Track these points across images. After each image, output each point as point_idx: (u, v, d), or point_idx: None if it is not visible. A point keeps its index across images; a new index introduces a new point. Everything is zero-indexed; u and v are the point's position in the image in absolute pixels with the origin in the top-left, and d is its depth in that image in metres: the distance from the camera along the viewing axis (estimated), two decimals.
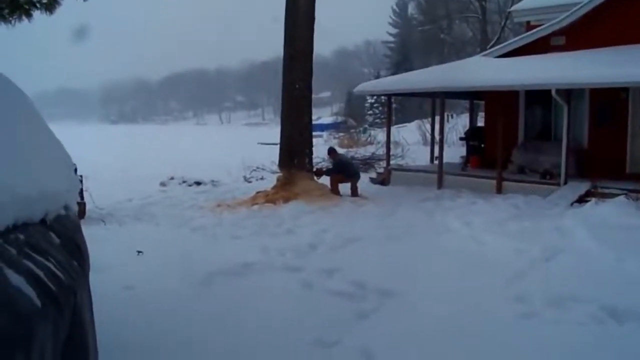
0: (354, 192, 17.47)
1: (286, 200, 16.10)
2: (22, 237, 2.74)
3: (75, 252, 3.45)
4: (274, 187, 17.33)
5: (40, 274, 2.64)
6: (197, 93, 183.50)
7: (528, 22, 22.04)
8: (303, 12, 17.40)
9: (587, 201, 14.66)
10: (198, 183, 21.75)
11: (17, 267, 2.51)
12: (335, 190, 17.28)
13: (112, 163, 28.68)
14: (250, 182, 22.84)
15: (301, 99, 17.60)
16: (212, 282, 8.46)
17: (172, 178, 22.53)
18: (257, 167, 25.24)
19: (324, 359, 6.08)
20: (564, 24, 18.28)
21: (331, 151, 19.12)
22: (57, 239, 3.17)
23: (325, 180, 17.83)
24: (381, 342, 6.36)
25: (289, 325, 6.80)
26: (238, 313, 7.27)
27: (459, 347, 6.26)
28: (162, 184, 21.71)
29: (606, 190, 15.21)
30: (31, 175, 3.13)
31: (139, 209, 16.09)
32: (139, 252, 10.14)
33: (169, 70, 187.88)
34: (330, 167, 18.50)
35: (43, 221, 3.15)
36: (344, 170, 17.90)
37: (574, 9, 18.08)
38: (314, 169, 18.31)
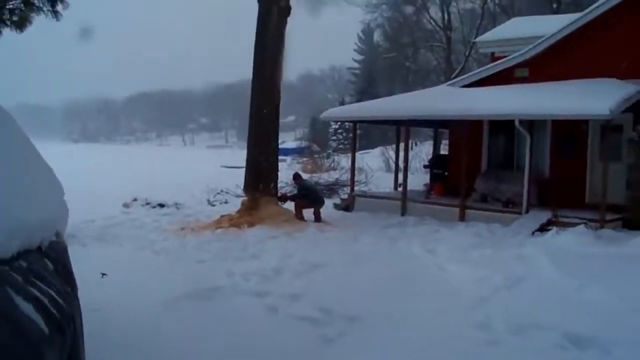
0: (317, 218, 17.51)
1: (251, 224, 16.09)
2: (24, 264, 2.76)
3: (68, 277, 3.47)
4: (239, 211, 17.31)
5: (45, 300, 2.66)
6: (160, 114, 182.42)
7: (492, 54, 22.44)
8: (273, 38, 17.55)
9: (548, 230, 14.88)
10: (162, 205, 21.58)
11: (24, 295, 2.53)
12: (299, 216, 17.32)
13: (73, 183, 28.32)
14: (214, 205, 22.75)
15: (269, 123, 17.69)
16: (178, 306, 8.42)
17: (135, 199, 22.33)
18: (221, 191, 25.15)
19: None
20: (528, 56, 18.66)
21: (296, 176, 19.18)
22: (51, 265, 3.18)
23: (290, 205, 17.87)
24: None
25: (255, 350, 6.80)
26: (204, 338, 7.25)
27: None
28: (125, 205, 21.49)
29: (566, 219, 15.45)
30: (31, 202, 3.14)
31: (101, 230, 15.89)
32: (102, 274, 10.06)
33: (133, 90, 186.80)
34: (295, 192, 18.56)
35: (39, 248, 3.16)
36: (308, 195, 17.97)
37: (537, 42, 18.47)
38: (279, 194, 18.34)
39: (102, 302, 8.23)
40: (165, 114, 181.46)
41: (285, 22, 17.86)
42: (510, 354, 6.83)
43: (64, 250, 3.88)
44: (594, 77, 16.93)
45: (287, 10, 17.87)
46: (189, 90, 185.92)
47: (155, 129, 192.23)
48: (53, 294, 2.84)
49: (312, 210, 17.65)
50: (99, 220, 17.29)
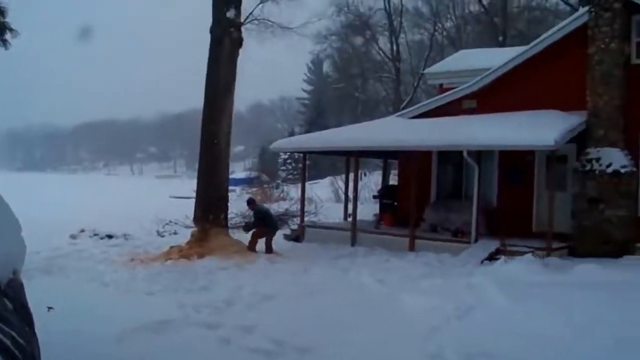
0: (269, 249, 17.42)
1: (201, 256, 15.99)
2: None
3: (26, 315, 3.41)
4: (188, 243, 17.20)
5: (7, 342, 2.62)
6: (108, 143, 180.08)
7: (441, 85, 22.81)
8: (225, 68, 17.62)
9: (496, 259, 15.10)
10: (110, 236, 21.31)
11: None
12: (252, 246, 17.22)
13: (17, 213, 27.84)
14: (163, 236, 22.54)
15: (219, 153, 17.69)
16: (129, 339, 8.30)
17: (82, 230, 22.02)
18: (170, 221, 24.93)
19: None
20: (475, 88, 19.02)
21: (250, 202, 19.17)
22: (10, 305, 3.13)
23: (241, 236, 17.81)
24: None
25: None
26: None
27: None
28: (73, 237, 21.17)
29: (514, 248, 15.71)
30: None
31: (48, 262, 15.54)
32: (49, 308, 9.85)
33: (80, 119, 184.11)
34: (253, 220, 18.47)
35: None
36: (265, 219, 17.91)
37: (484, 74, 18.85)
38: (244, 224, 18.40)
39: (49, 337, 8.08)
40: (113, 143, 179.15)
41: (237, 53, 17.97)
42: None
43: (21, 287, 3.83)
44: (539, 109, 17.33)
45: (239, 42, 18.00)
46: (137, 119, 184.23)
47: (103, 158, 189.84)
48: (14, 334, 2.80)
49: (263, 239, 17.56)
50: (44, 251, 16.94)
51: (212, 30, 17.91)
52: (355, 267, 14.72)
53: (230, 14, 17.72)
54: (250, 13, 19.16)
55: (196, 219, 17.79)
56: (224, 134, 17.82)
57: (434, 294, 11.22)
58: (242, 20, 18.33)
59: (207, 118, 17.87)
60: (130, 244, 19.97)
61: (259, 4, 19.76)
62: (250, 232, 17.87)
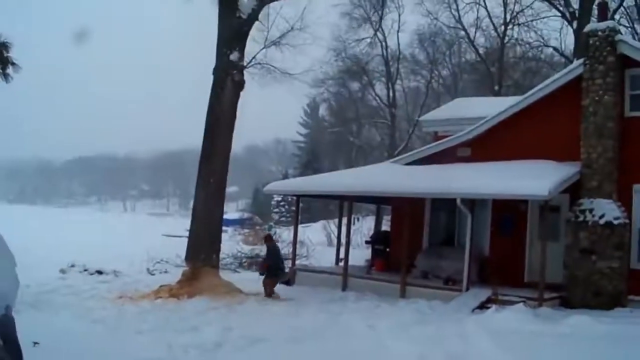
0: (272, 291, 17.42)
1: (191, 295, 15.92)
2: None
3: (16, 351, 3.39)
4: (179, 282, 17.13)
5: None
6: (101, 178, 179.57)
7: (436, 132, 22.93)
8: (226, 110, 17.78)
9: (488, 308, 15.03)
10: (100, 272, 21.21)
11: None
12: (270, 292, 17.29)
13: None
14: (153, 274, 22.45)
15: (215, 193, 17.71)
16: None
17: (72, 265, 21.93)
18: (161, 260, 24.85)
19: None
20: (470, 136, 19.12)
21: (268, 238, 19.11)
22: (1, 341, 3.10)
23: (228, 276, 17.71)
24: None
25: None
26: None
27: None
28: (62, 271, 21.07)
29: (506, 298, 15.65)
30: None
31: (36, 296, 15.42)
32: (35, 343, 9.75)
33: (74, 153, 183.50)
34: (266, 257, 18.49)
35: None
36: (275, 259, 17.93)
37: (479, 123, 18.96)
38: (261, 264, 18.56)
39: None
40: (106, 178, 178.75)
41: (239, 96, 18.16)
42: None
43: (13, 324, 3.80)
44: (533, 158, 17.40)
45: (240, 84, 18.21)
46: (131, 156, 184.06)
47: (95, 193, 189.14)
48: None
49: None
50: (33, 286, 16.79)
51: (214, 72, 18.09)
52: (346, 312, 14.66)
53: (234, 56, 17.97)
54: (254, 57, 19.42)
55: (188, 258, 17.74)
56: (221, 174, 17.90)
57: (425, 341, 11.14)
58: (244, 63, 18.53)
59: (205, 157, 17.94)
60: (120, 280, 19.89)
61: (262, 49, 20.02)
62: (264, 276, 17.84)
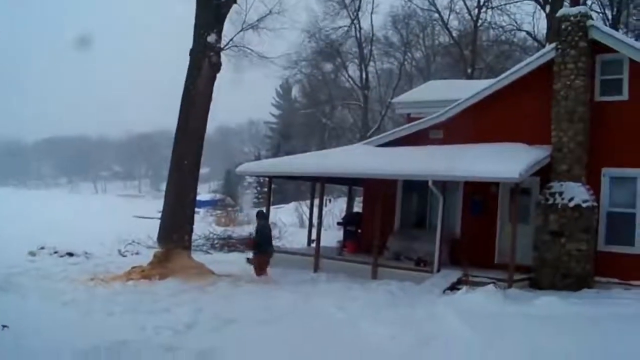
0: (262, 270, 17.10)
1: (162, 277, 15.86)
2: None
3: None
4: (150, 263, 17.04)
5: None
6: (72, 159, 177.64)
7: (408, 115, 22.96)
8: (202, 92, 17.68)
9: (458, 289, 15.18)
10: (70, 254, 21.08)
11: None
12: (262, 273, 16.97)
13: None
14: (125, 256, 22.35)
15: (188, 175, 17.67)
16: None
17: (42, 248, 21.76)
18: (133, 241, 24.76)
19: None
20: (442, 118, 19.19)
21: (259, 214, 18.34)
22: None
23: (200, 257, 17.63)
24: None
25: None
26: None
27: None
28: (32, 254, 20.89)
29: (476, 279, 15.81)
30: None
31: (4, 279, 15.24)
32: (3, 326, 9.68)
33: (45, 134, 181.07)
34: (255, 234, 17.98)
35: None
36: (264, 236, 17.31)
37: (452, 105, 19.04)
38: (247, 240, 18.13)
39: (3, 356, 7.94)
40: (76, 159, 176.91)
41: (215, 78, 18.12)
42: None
43: None
44: (505, 141, 17.53)
45: (217, 67, 18.19)
46: (103, 137, 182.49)
47: (66, 174, 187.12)
48: None
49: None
50: (2, 268, 16.68)
51: (191, 53, 18.00)
52: (318, 293, 14.66)
53: (211, 38, 17.91)
54: (231, 40, 19.33)
55: (160, 239, 17.68)
56: (195, 156, 17.86)
57: (396, 323, 11.21)
58: (222, 45, 18.44)
59: (179, 138, 17.87)
60: (91, 262, 19.78)
61: (239, 32, 19.90)
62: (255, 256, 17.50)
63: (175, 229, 17.40)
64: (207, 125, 18.25)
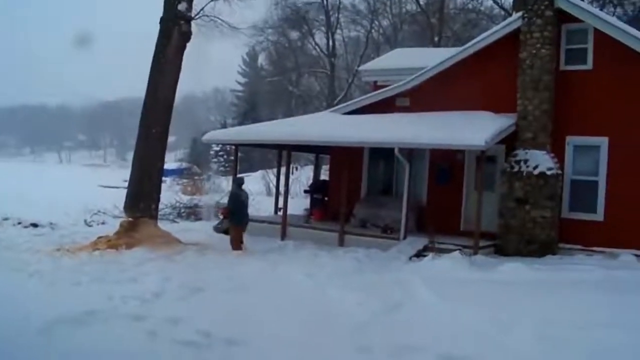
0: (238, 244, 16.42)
1: (129, 246, 15.81)
2: None
3: None
4: (117, 233, 16.97)
5: None
6: (35, 129, 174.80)
7: (375, 82, 22.94)
8: (171, 61, 17.53)
9: (424, 256, 15.34)
10: (35, 225, 20.87)
11: None
12: (237, 246, 16.29)
13: None
14: (91, 226, 22.21)
15: (157, 143, 17.58)
16: (52, 332, 8.12)
17: (6, 218, 21.54)
18: (99, 211, 24.58)
19: None
20: (409, 86, 19.23)
21: (235, 180, 17.95)
22: None
23: (167, 226, 17.54)
24: None
25: None
26: None
27: None
28: None
29: (442, 246, 15.99)
30: None
31: None
32: None
33: (4, 103, 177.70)
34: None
35: None
36: (235, 206, 16.66)
37: (418, 73, 19.06)
38: (222, 209, 17.86)
39: None
40: (40, 129, 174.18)
41: (184, 47, 18.02)
42: None
43: None
44: (471, 109, 17.63)
45: (187, 36, 18.07)
46: (66, 106, 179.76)
47: (29, 144, 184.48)
48: None
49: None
50: None
51: (161, 22, 17.87)
52: (285, 261, 14.74)
53: (182, 6, 17.82)
54: (202, 9, 19.13)
55: (126, 207, 17.59)
56: (163, 125, 17.80)
57: (363, 289, 11.28)
58: (192, 14, 18.26)
59: (148, 107, 17.76)
60: (57, 233, 19.61)
61: (210, 1, 19.64)
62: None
63: (142, 198, 17.33)
64: (175, 94, 18.12)
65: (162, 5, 17.99)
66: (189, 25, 18.10)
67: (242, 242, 16.53)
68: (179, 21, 17.75)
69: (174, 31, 17.66)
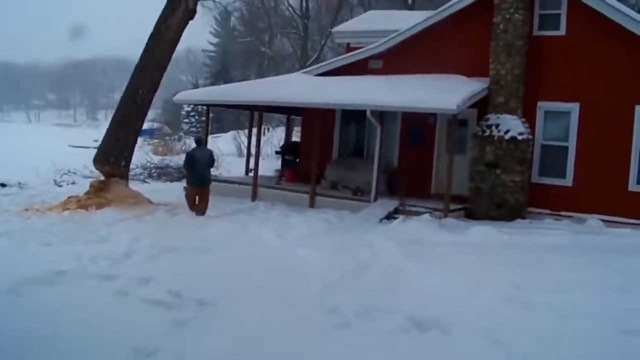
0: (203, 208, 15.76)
1: (99, 206, 15.71)
2: None
3: None
4: (87, 193, 16.84)
5: None
6: (2, 88, 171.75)
7: (348, 44, 22.87)
8: (173, 34, 17.94)
9: (395, 218, 15.44)
10: (3, 185, 20.63)
11: None
12: (192, 207, 15.69)
13: None
14: (60, 186, 22.01)
15: (141, 105, 17.65)
16: (22, 292, 8.11)
17: None
18: (69, 171, 24.35)
19: None
20: (382, 49, 19.15)
21: (197, 141, 16.97)
22: None
23: (138, 186, 17.40)
24: (199, 350, 6.42)
25: (105, 335, 6.69)
26: (52, 324, 7.02)
27: (277, 356, 6.44)
28: None
29: (413, 208, 16.09)
30: None
31: None
32: None
33: None
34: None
35: None
36: (187, 166, 16.08)
37: (392, 36, 18.98)
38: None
39: None
40: (7, 88, 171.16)
41: (187, 23, 18.26)
42: (358, 337, 7.06)
43: None
44: (444, 73, 17.64)
45: (192, 12, 18.26)
46: (35, 64, 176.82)
47: None
48: None
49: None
50: None
51: None
52: (256, 221, 14.76)
53: None
54: None
55: (96, 160, 17.41)
56: (151, 90, 18.00)
57: (333, 250, 11.38)
58: None
59: (140, 70, 17.87)
60: (26, 193, 19.43)
61: None
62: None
63: (113, 153, 17.19)
64: (169, 62, 18.56)
65: None
66: (196, 3, 18.35)
67: (196, 202, 15.77)
68: None
69: (180, 6, 17.84)
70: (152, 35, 17.98)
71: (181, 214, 15.58)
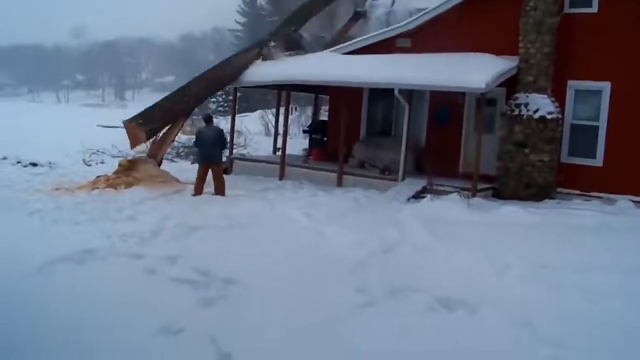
0: (217, 188, 15.64)
1: (128, 185, 15.80)
2: None
3: None
4: (116, 172, 16.93)
5: None
6: (33, 68, 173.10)
7: None
8: (240, 62, 20.07)
9: (423, 197, 15.34)
10: (34, 164, 20.86)
11: None
12: (198, 190, 15.48)
13: None
14: (89, 165, 22.22)
15: (200, 92, 19.09)
16: (53, 270, 8.19)
17: (4, 158, 21.53)
18: (98, 150, 24.56)
19: (170, 347, 6.08)
20: (410, 27, 18.98)
21: (205, 118, 16.72)
22: None
23: (166, 165, 17.40)
24: (226, 329, 6.45)
25: (133, 313, 6.75)
26: (81, 301, 7.10)
27: (304, 335, 6.45)
28: None
29: (441, 188, 16.00)
30: None
31: None
32: None
33: (2, 42, 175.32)
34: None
35: None
36: (197, 144, 16.09)
37: (420, 14, 18.84)
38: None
39: None
40: (37, 68, 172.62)
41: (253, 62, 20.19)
42: (385, 316, 7.06)
43: None
44: (473, 51, 17.43)
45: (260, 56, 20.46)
46: (63, 46, 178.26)
47: (27, 84, 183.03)
48: None
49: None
50: None
51: None
52: (283, 200, 14.76)
53: None
54: None
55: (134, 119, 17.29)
56: (219, 77, 19.49)
57: (360, 229, 11.35)
58: None
59: (207, 76, 19.26)
60: (55, 172, 19.62)
61: None
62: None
63: (150, 122, 17.17)
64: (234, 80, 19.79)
65: None
66: (269, 55, 20.42)
67: (204, 181, 15.57)
68: None
69: (256, 51, 20.39)
70: (223, 60, 19.90)
71: (209, 193, 15.60)
